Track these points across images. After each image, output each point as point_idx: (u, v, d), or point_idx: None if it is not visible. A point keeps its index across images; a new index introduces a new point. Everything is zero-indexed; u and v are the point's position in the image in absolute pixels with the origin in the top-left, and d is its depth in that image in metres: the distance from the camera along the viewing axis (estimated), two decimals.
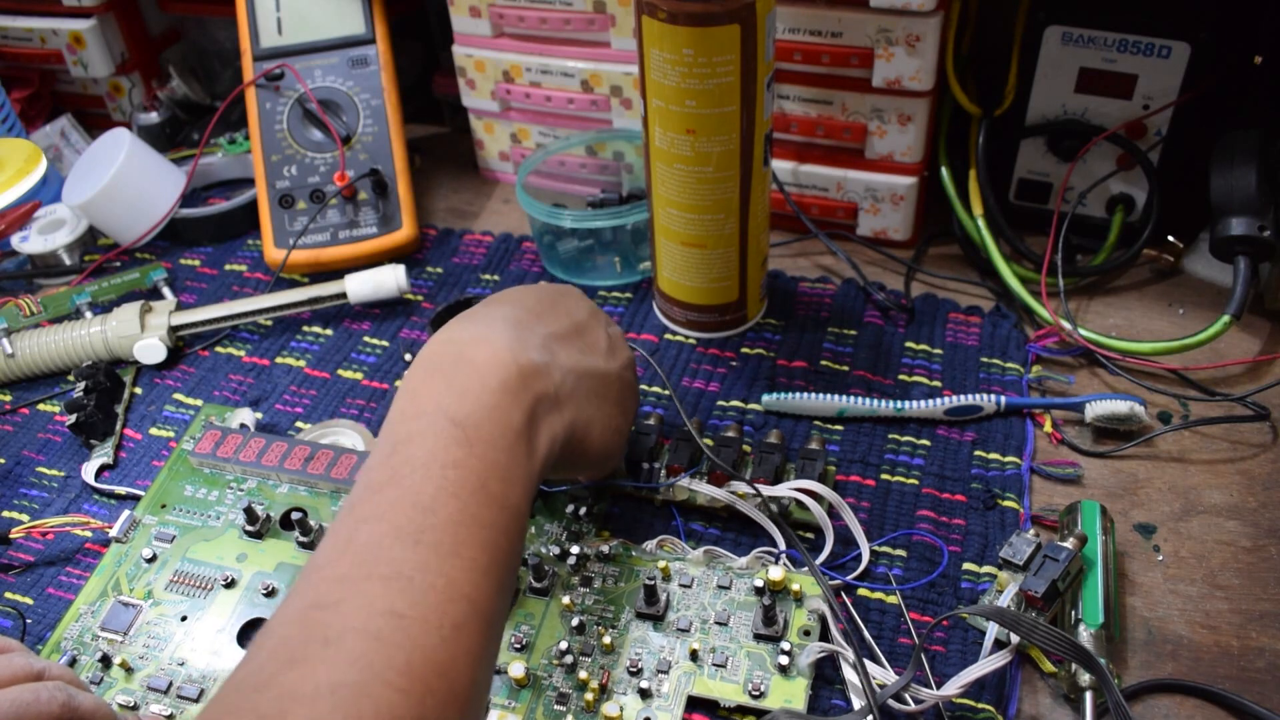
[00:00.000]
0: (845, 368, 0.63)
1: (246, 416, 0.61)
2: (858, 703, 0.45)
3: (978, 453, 0.57)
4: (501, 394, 0.41)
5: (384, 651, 0.33)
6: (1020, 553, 0.49)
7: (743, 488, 0.53)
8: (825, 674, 0.47)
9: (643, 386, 0.63)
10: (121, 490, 0.59)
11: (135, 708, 0.48)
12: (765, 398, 0.60)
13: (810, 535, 0.53)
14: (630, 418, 0.51)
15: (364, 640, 0.33)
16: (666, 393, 0.61)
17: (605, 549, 0.52)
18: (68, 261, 0.76)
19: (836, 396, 0.59)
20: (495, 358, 0.42)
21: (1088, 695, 0.44)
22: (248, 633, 0.51)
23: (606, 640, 0.48)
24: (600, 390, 0.47)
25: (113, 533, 0.55)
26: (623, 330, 0.53)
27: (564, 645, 0.48)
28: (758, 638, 0.48)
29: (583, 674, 0.46)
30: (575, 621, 0.48)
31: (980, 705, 0.46)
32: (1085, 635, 0.46)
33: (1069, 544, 0.48)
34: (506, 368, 0.42)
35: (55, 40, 0.84)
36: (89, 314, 0.69)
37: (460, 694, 0.34)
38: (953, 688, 0.44)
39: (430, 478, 0.38)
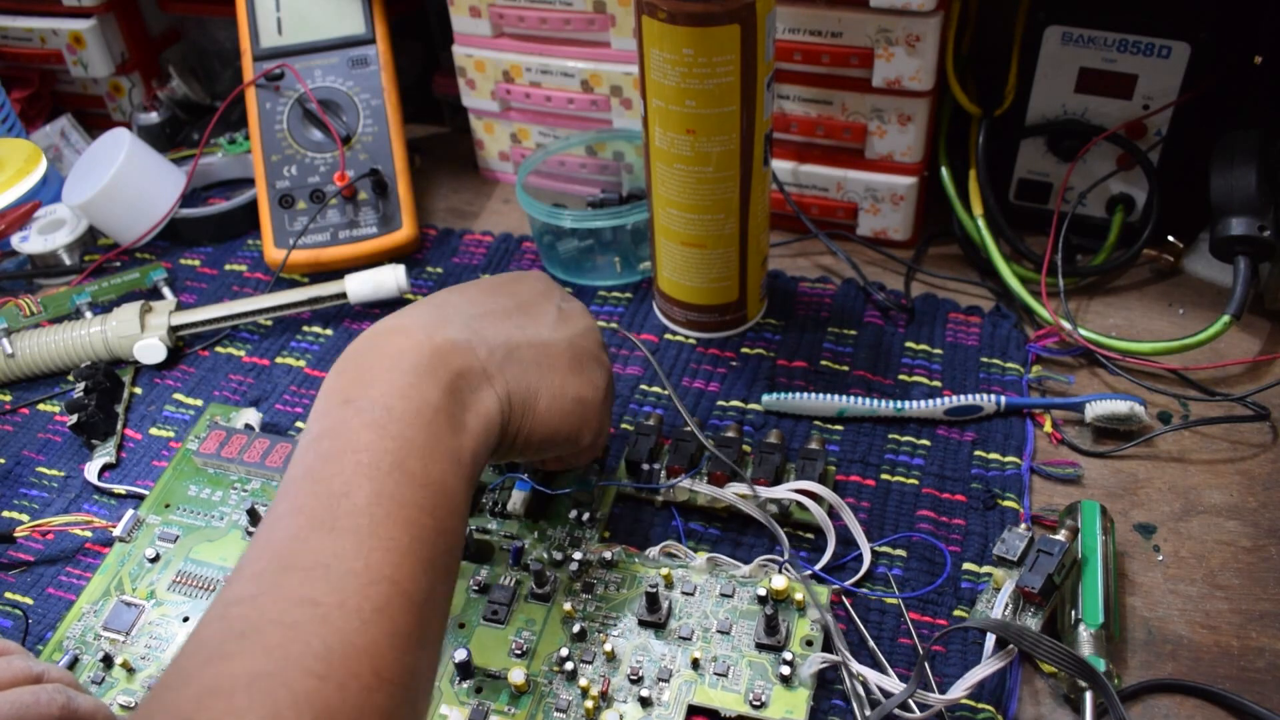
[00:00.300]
0: (845, 368, 0.63)
1: (252, 417, 0.61)
2: (860, 712, 0.45)
3: (978, 453, 0.57)
4: (414, 375, 0.41)
5: (300, 639, 0.32)
6: (1014, 549, 0.49)
7: (744, 488, 0.53)
8: (826, 676, 0.47)
9: (643, 386, 0.63)
10: (122, 490, 0.59)
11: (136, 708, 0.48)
12: (765, 398, 0.60)
13: (810, 536, 0.54)
14: (598, 386, 0.49)
15: (280, 630, 0.33)
16: (666, 392, 0.61)
17: (607, 555, 0.52)
18: (68, 261, 0.76)
19: (836, 396, 0.59)
20: (407, 343, 0.42)
21: (1088, 695, 0.44)
22: None
23: (608, 647, 0.48)
24: (543, 360, 0.47)
25: (117, 532, 0.55)
26: (585, 309, 0.53)
27: (564, 652, 0.48)
28: (760, 647, 0.47)
29: (583, 681, 0.46)
30: (576, 628, 0.48)
31: (980, 705, 0.46)
32: (1085, 635, 0.46)
33: (1061, 536, 0.48)
34: (419, 349, 0.42)
35: (55, 40, 0.84)
36: (89, 314, 0.69)
37: (388, 678, 0.33)
38: (957, 691, 0.44)
39: (344, 465, 0.37)
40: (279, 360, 0.67)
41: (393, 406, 0.39)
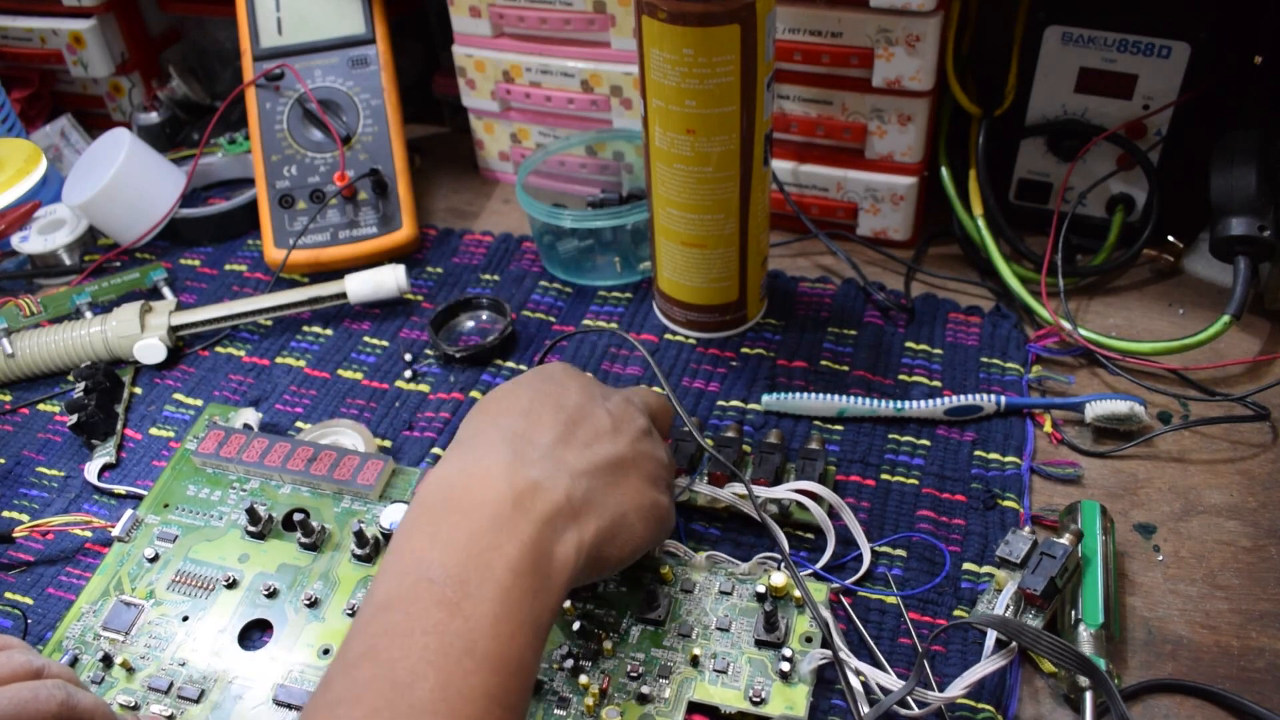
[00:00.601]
0: (845, 368, 0.63)
1: (250, 417, 0.61)
2: (860, 709, 0.45)
3: (978, 453, 0.57)
4: (493, 533, 0.38)
5: None
6: (1017, 551, 0.49)
7: (743, 488, 0.53)
8: (826, 676, 0.47)
9: (642, 385, 0.63)
10: (122, 490, 0.59)
11: (136, 708, 0.48)
12: (765, 398, 0.60)
13: (810, 536, 0.53)
14: (664, 485, 0.48)
15: None
16: (665, 392, 0.61)
17: None
18: (68, 261, 0.76)
19: (836, 396, 0.59)
20: (486, 492, 0.40)
21: (1088, 695, 0.44)
22: (249, 633, 0.51)
23: (607, 645, 0.48)
24: (617, 477, 0.45)
25: (115, 532, 0.55)
26: (624, 397, 0.50)
27: (565, 649, 0.48)
28: (759, 644, 0.47)
29: (583, 679, 0.46)
30: (576, 626, 0.48)
31: (980, 705, 0.46)
32: (1085, 635, 0.46)
33: (1065, 540, 0.48)
34: (500, 500, 0.39)
35: (55, 40, 0.84)
36: (89, 314, 0.69)
37: None
38: (956, 690, 0.44)
39: (409, 649, 0.35)
40: (279, 360, 0.67)
41: (468, 578, 0.37)
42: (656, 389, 0.54)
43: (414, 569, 0.37)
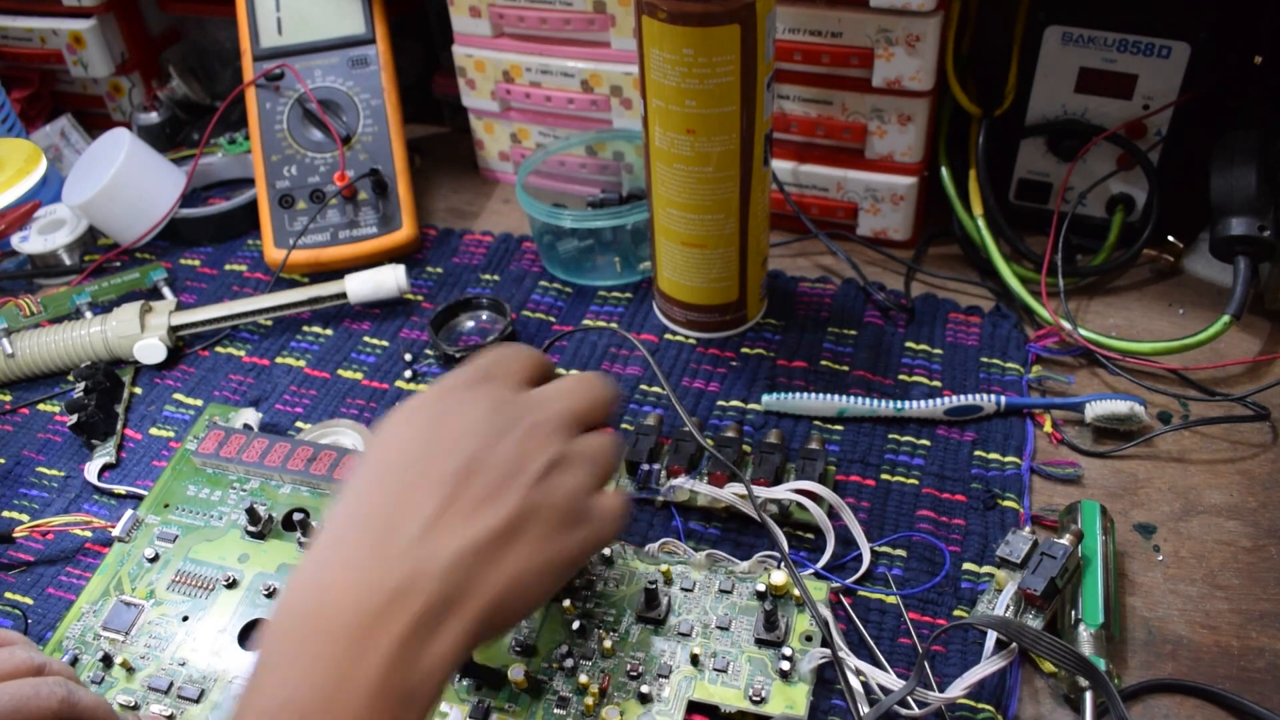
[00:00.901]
0: (845, 368, 0.63)
1: (250, 417, 0.61)
2: (859, 709, 0.45)
3: (978, 453, 0.57)
4: (349, 659, 0.35)
5: None
6: (1017, 551, 0.49)
7: (743, 488, 0.53)
8: (826, 675, 0.47)
9: (642, 386, 0.63)
10: (122, 490, 0.59)
11: (136, 707, 0.48)
12: (765, 398, 0.60)
13: (810, 536, 0.53)
14: (573, 519, 0.41)
15: None
16: (666, 392, 0.61)
17: (606, 551, 0.52)
18: (68, 261, 0.76)
19: (836, 396, 0.59)
20: (340, 609, 0.36)
21: (1088, 695, 0.44)
22: (249, 633, 0.51)
23: (607, 644, 0.48)
24: (507, 544, 0.39)
25: (115, 532, 0.55)
26: (535, 420, 0.42)
27: (564, 649, 0.48)
28: (759, 643, 0.47)
29: (583, 678, 0.46)
30: (576, 625, 0.48)
31: (980, 705, 0.46)
32: (1085, 635, 0.46)
33: (1065, 540, 0.48)
34: (356, 617, 0.36)
35: (55, 40, 0.84)
36: (89, 314, 0.69)
37: None
38: (956, 690, 0.44)
39: None
40: (279, 360, 0.67)
41: (330, 706, 0.34)
42: (596, 374, 0.48)
43: (264, 698, 0.35)
